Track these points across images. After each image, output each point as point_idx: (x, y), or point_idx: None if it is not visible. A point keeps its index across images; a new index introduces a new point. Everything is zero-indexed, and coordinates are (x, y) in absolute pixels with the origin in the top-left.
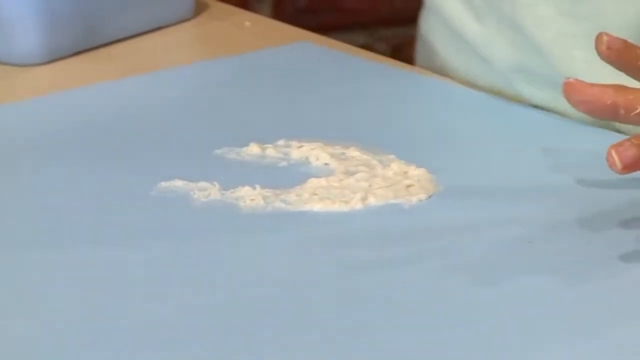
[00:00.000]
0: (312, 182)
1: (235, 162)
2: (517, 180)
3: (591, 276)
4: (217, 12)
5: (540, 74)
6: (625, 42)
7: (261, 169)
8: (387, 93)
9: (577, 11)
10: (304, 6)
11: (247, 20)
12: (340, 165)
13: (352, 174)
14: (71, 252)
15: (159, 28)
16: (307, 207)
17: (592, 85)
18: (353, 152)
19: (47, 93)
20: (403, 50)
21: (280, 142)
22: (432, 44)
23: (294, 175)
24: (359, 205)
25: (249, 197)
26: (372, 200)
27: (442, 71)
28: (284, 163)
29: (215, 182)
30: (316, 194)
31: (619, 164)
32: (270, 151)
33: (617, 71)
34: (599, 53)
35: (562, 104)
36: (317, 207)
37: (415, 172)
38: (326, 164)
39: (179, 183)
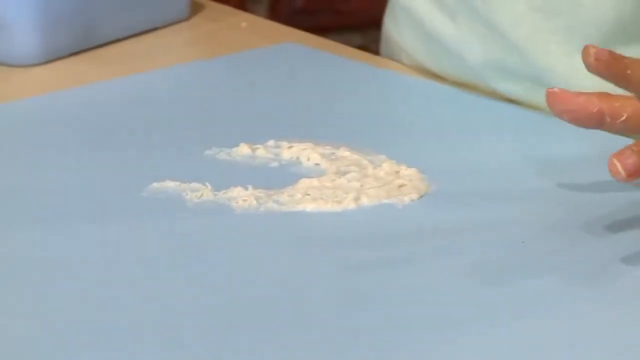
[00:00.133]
0: (304, 182)
1: (225, 162)
2: (508, 179)
3: (589, 277)
4: (213, 13)
5: (515, 70)
6: (611, 52)
7: (252, 170)
8: (376, 93)
9: (552, 6)
10: (300, 7)
11: (243, 21)
12: (332, 165)
13: (344, 174)
14: (64, 253)
15: (155, 29)
16: (300, 208)
17: (577, 94)
18: (343, 152)
19: (44, 93)
20: None
21: (270, 143)
22: (399, 43)
23: (285, 176)
24: (351, 205)
25: (242, 197)
26: (364, 201)
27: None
28: (275, 163)
29: (207, 183)
30: (309, 194)
31: (622, 173)
32: (261, 152)
33: None
34: (587, 65)
35: (540, 98)
36: (310, 207)
37: (407, 172)
38: (317, 164)
39: (170, 184)
